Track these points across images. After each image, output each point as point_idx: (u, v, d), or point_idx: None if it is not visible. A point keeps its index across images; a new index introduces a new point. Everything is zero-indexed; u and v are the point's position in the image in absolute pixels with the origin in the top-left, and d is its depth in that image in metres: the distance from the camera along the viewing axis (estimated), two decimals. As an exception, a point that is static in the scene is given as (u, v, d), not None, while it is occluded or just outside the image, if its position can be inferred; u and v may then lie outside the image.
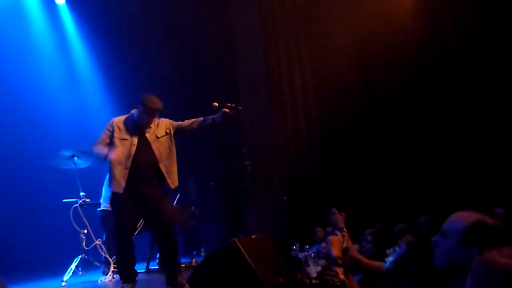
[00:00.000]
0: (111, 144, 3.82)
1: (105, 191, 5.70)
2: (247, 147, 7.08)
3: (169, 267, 3.87)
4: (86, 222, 5.06)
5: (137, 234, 5.03)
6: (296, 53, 7.49)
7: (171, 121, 4.05)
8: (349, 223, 2.49)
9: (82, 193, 5.14)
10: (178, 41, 7.76)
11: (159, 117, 3.99)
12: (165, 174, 3.82)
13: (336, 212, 2.62)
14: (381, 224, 5.07)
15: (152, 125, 3.91)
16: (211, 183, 7.46)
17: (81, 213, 5.03)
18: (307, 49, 7.46)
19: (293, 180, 7.24)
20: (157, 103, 3.82)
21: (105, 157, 3.70)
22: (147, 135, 3.86)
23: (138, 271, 5.22)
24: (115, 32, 7.60)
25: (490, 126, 5.86)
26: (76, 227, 5.00)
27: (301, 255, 4.24)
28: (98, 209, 5.59)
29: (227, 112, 3.77)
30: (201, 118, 3.97)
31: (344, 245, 2.20)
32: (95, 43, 7.75)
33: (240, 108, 3.84)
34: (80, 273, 4.97)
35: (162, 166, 3.81)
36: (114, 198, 3.80)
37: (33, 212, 6.45)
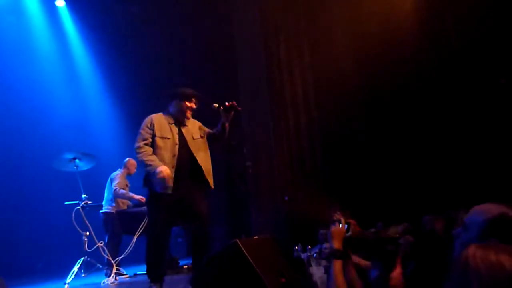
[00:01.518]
0: (152, 142, 3.69)
1: (107, 194, 5.71)
2: (248, 147, 7.08)
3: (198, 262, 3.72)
4: (88, 224, 5.07)
5: (140, 235, 5.05)
6: (297, 53, 7.48)
7: (203, 126, 3.97)
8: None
9: (84, 195, 5.15)
10: (178, 43, 7.77)
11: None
12: (206, 174, 3.75)
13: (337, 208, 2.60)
14: (382, 224, 5.06)
15: (187, 124, 3.84)
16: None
17: (83, 215, 5.04)
18: (308, 50, 7.46)
19: (295, 180, 7.23)
20: (190, 89, 3.81)
21: (155, 172, 3.54)
22: (184, 135, 3.78)
23: (139, 273, 5.26)
24: (115, 35, 7.61)
25: (493, 124, 5.85)
26: (78, 229, 5.00)
27: (303, 255, 4.23)
28: (100, 211, 5.60)
29: (225, 110, 3.75)
30: (213, 130, 3.91)
31: (349, 233, 2.14)
32: (95, 45, 7.77)
33: (240, 108, 3.82)
34: (83, 275, 4.98)
35: (202, 166, 3.74)
36: (155, 198, 3.63)
37: (35, 215, 6.46)
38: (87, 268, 5.05)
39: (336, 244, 2.06)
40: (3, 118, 6.53)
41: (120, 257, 5.18)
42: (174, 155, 3.66)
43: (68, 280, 4.64)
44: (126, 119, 7.76)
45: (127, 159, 5.91)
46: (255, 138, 7.22)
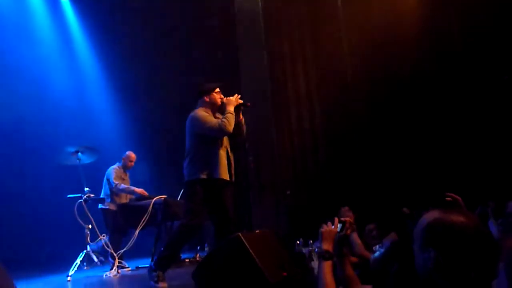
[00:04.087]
0: (205, 136, 3.73)
1: (104, 190, 5.74)
2: (250, 142, 7.07)
3: None
4: (91, 217, 5.08)
5: (142, 229, 5.07)
6: (300, 49, 7.47)
7: None
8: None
9: (86, 189, 5.16)
10: (180, 38, 7.76)
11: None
12: (232, 167, 3.81)
13: (348, 210, 2.58)
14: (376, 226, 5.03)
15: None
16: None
17: (85, 208, 5.05)
18: (310, 46, 7.44)
19: (297, 174, 7.24)
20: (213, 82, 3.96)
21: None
22: None
23: (141, 266, 5.29)
24: (118, 28, 7.60)
25: (495, 121, 5.84)
26: (81, 222, 5.02)
27: (305, 250, 4.25)
28: (99, 206, 5.61)
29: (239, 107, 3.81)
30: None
31: (344, 232, 2.12)
32: (98, 38, 7.76)
33: (249, 104, 3.87)
34: (85, 268, 5.01)
35: (231, 159, 3.83)
36: (207, 184, 3.65)
37: (38, 208, 6.48)
38: (89, 261, 5.08)
39: (325, 245, 2.03)
40: (6, 112, 6.54)
41: (122, 250, 5.20)
42: (225, 147, 3.78)
43: (71, 272, 4.67)
44: (128, 113, 7.77)
45: (127, 152, 5.93)
46: (257, 133, 7.22)
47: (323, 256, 1.99)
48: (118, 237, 5.49)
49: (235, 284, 2.76)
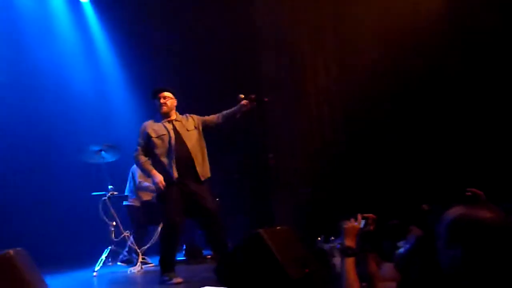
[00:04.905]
0: (150, 144, 4.02)
1: (129, 186, 5.82)
2: (270, 138, 7.07)
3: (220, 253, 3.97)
4: (115, 214, 5.18)
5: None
6: (320, 42, 7.40)
7: (199, 116, 4.21)
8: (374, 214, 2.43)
9: (110, 186, 5.26)
10: (201, 35, 7.78)
11: (187, 113, 4.22)
12: (196, 164, 3.95)
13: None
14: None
15: (180, 119, 4.13)
16: (236, 176, 7.49)
17: (109, 205, 5.15)
18: (331, 38, 7.36)
19: (318, 171, 7.20)
20: (158, 86, 4.27)
21: (153, 181, 3.92)
22: (178, 129, 4.04)
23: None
24: (139, 29, 7.68)
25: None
26: (105, 219, 5.12)
27: (326, 246, 4.23)
28: (124, 203, 5.70)
29: (245, 105, 3.84)
30: (224, 112, 4.04)
31: (367, 228, 2.11)
32: (119, 37, 7.86)
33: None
34: (110, 263, 5.11)
35: (195, 159, 3.96)
36: (164, 189, 3.89)
37: (64, 206, 6.63)
38: (114, 257, 5.18)
39: (348, 241, 2.03)
40: (33, 111, 6.71)
41: (145, 247, 5.29)
42: (172, 148, 3.94)
43: (97, 268, 4.77)
44: (149, 111, 7.85)
45: None
46: (277, 129, 7.22)
47: (346, 252, 1.99)
48: (142, 233, 5.58)
49: (256, 280, 2.77)
